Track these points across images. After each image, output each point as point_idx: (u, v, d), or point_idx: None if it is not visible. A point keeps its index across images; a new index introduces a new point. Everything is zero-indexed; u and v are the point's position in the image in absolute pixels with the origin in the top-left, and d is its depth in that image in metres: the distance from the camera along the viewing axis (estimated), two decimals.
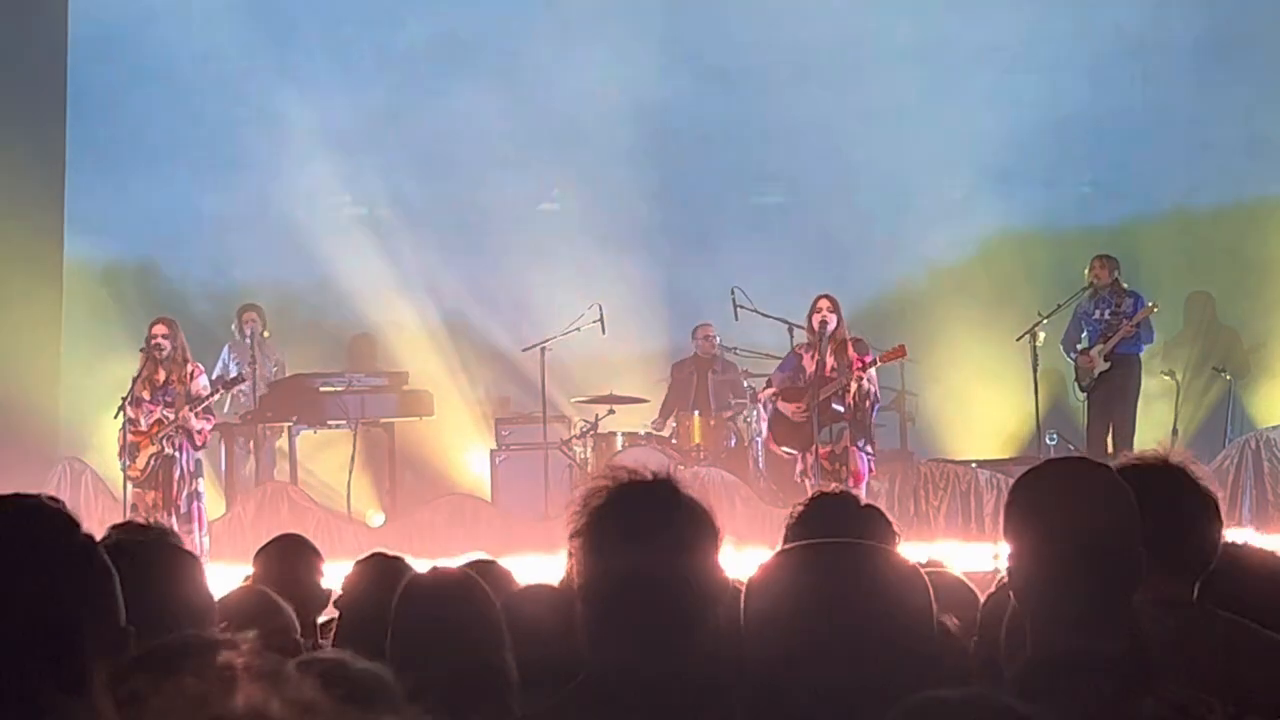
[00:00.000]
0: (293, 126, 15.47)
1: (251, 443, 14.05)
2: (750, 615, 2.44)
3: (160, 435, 11.77)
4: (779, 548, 2.80)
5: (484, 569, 4.69)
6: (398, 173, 15.92)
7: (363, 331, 15.84)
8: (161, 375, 11.84)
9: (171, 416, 11.77)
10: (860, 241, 15.21)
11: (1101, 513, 2.69)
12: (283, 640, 3.67)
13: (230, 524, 12.81)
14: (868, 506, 4.05)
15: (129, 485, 11.88)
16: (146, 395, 11.83)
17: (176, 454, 11.80)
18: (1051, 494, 2.75)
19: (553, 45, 15.56)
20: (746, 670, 2.40)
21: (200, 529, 11.85)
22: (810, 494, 4.14)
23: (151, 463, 11.80)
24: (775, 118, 15.53)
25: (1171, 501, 3.04)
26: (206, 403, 11.90)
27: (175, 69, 15.65)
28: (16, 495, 2.17)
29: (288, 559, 4.96)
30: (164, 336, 11.81)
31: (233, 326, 14.38)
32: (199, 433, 11.86)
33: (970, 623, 3.39)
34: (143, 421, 11.83)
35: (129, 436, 11.80)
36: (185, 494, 11.81)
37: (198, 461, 12.00)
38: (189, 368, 11.93)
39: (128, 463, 11.83)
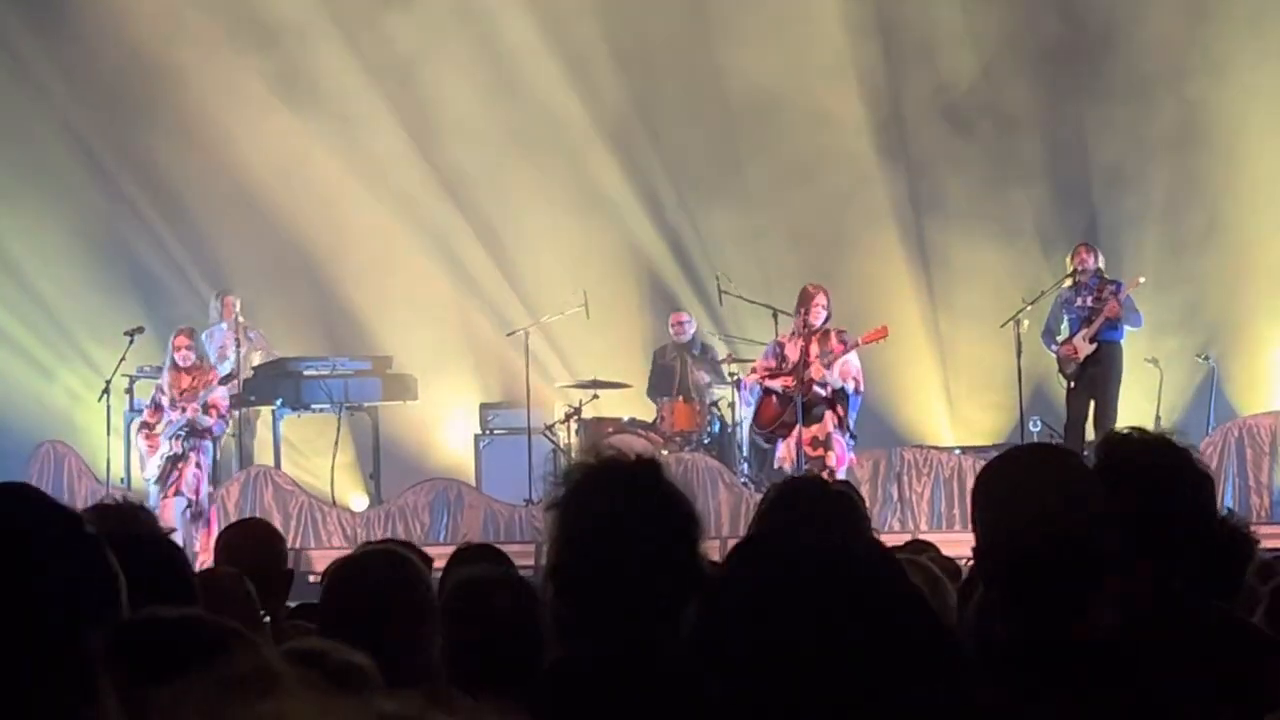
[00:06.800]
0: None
1: (213, 426, 14.08)
2: (715, 609, 2.16)
3: (169, 434, 12.08)
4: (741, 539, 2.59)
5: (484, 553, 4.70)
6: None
7: (346, 314, 15.76)
8: (185, 382, 12.16)
9: (184, 416, 12.08)
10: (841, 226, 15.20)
11: (1067, 499, 2.67)
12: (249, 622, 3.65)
13: (214, 509, 12.77)
14: (838, 492, 3.85)
15: (157, 493, 12.07)
16: (167, 404, 12.17)
17: (191, 453, 12.12)
18: (1018, 480, 2.75)
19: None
20: (719, 660, 2.27)
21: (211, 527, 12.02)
22: (781, 480, 3.96)
23: (164, 465, 12.13)
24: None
25: (1156, 481, 2.86)
26: (212, 398, 12.22)
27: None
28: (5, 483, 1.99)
29: (249, 543, 4.98)
30: (188, 348, 12.18)
31: (211, 308, 14.33)
32: (207, 429, 12.22)
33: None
34: (159, 428, 12.18)
35: (145, 443, 12.18)
36: (204, 494, 12.23)
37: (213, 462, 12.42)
38: (210, 374, 12.33)
39: (154, 476, 12.17)
